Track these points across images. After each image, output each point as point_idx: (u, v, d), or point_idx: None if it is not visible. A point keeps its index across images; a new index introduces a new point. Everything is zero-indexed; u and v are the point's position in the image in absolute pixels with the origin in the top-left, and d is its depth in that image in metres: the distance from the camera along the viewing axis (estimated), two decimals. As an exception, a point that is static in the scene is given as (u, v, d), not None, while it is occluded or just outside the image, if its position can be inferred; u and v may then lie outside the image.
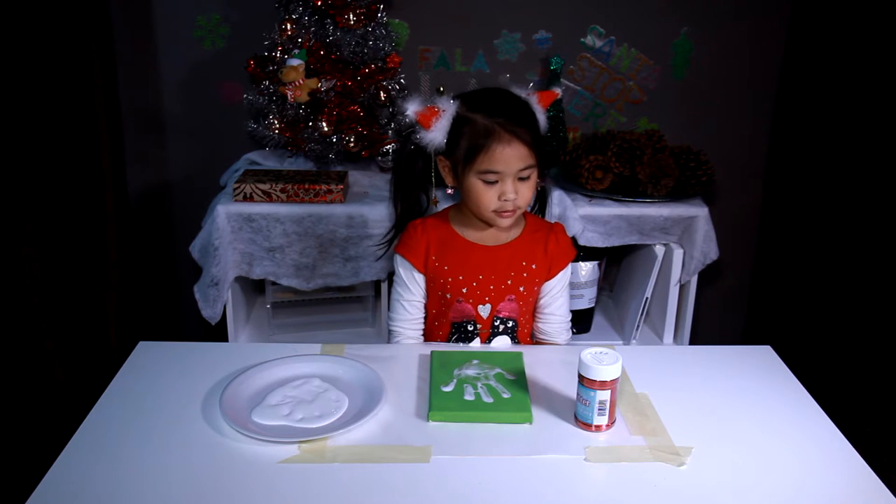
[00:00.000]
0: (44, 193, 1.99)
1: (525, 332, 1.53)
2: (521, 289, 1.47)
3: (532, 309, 1.53)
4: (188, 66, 2.26)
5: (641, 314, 2.12)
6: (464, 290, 1.45)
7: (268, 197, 1.91)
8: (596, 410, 1.15)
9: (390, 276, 1.84)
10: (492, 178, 1.36)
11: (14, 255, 1.98)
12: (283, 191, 1.91)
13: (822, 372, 2.06)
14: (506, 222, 1.41)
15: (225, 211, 1.89)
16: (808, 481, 1.06)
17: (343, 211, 1.91)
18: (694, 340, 2.18)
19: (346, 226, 1.92)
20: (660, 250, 2.06)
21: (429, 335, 1.53)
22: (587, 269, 2.10)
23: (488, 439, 1.13)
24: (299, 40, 2.01)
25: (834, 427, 1.19)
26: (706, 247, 2.01)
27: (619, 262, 2.37)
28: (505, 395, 1.22)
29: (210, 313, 1.93)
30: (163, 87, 2.27)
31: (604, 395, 1.14)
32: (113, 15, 2.16)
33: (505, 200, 1.36)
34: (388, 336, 1.53)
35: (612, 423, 1.17)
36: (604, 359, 1.14)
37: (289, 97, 1.98)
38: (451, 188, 1.45)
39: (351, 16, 1.98)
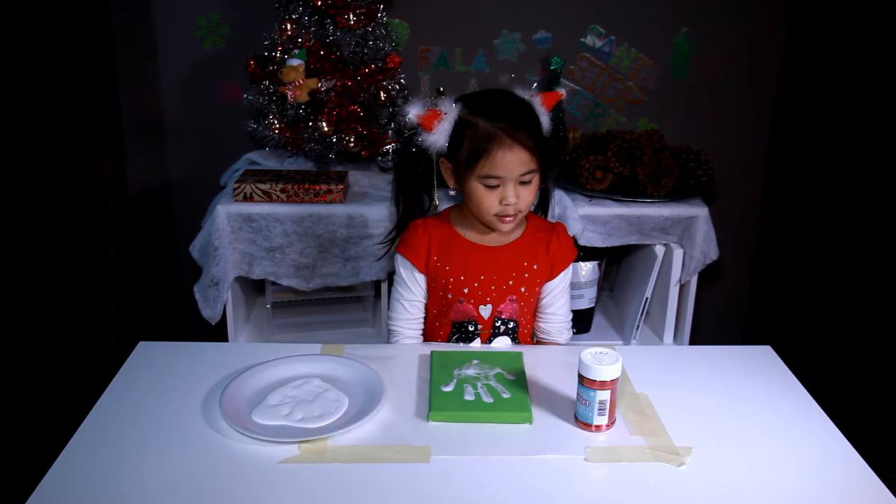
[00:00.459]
0: (44, 193, 1.99)
1: (526, 332, 1.53)
2: (523, 289, 1.47)
3: (533, 309, 1.53)
4: (188, 67, 2.26)
5: (641, 314, 2.12)
6: (465, 291, 1.45)
7: (268, 197, 1.91)
8: (596, 410, 1.15)
9: (390, 276, 1.84)
10: (493, 182, 1.36)
11: (15, 255, 1.98)
12: (283, 191, 1.91)
13: (822, 372, 2.06)
14: (506, 227, 1.41)
15: (225, 211, 1.89)
16: (807, 481, 1.06)
17: (343, 211, 1.91)
18: (694, 340, 2.18)
19: (346, 226, 1.92)
20: (660, 250, 2.06)
21: (429, 335, 1.53)
22: (587, 269, 2.10)
23: (488, 439, 1.13)
24: (299, 40, 2.01)
25: (834, 427, 1.19)
26: (706, 247, 2.01)
27: (619, 262, 2.37)
28: (505, 395, 1.22)
29: (210, 313, 1.93)
30: (163, 87, 2.27)
31: (604, 395, 1.14)
32: (113, 15, 2.16)
33: (506, 205, 1.36)
34: (387, 336, 1.53)
35: (612, 423, 1.17)
36: (604, 359, 1.15)
37: (289, 97, 1.98)
38: (454, 189, 1.45)
39: (351, 16, 1.98)
